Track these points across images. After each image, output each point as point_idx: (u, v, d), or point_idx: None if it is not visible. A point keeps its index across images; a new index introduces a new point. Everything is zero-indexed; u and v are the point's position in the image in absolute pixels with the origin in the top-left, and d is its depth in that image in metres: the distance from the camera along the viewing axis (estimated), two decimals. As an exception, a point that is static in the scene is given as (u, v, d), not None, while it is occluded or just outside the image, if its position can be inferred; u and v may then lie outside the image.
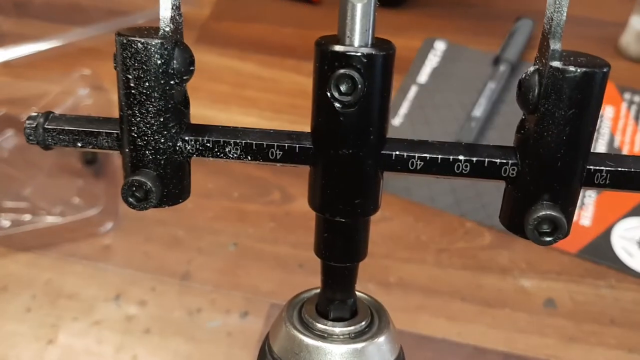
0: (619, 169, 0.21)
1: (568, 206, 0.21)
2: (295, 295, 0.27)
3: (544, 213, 0.20)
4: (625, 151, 0.59)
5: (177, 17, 0.21)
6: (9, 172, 0.55)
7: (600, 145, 0.59)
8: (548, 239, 0.20)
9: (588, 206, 0.54)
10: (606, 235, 0.52)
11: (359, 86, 0.20)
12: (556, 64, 0.19)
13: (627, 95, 0.64)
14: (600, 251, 0.52)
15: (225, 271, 0.50)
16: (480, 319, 0.48)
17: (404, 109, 0.62)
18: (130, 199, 0.21)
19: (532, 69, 0.20)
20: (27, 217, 0.52)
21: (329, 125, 0.21)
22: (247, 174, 0.57)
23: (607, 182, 0.21)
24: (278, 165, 0.22)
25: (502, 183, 0.21)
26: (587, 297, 0.49)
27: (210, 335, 0.46)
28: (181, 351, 0.46)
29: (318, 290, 0.26)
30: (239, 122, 0.61)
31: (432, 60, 0.67)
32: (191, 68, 0.21)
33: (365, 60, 0.19)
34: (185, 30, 0.72)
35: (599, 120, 0.60)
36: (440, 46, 0.69)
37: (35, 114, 0.22)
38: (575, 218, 0.53)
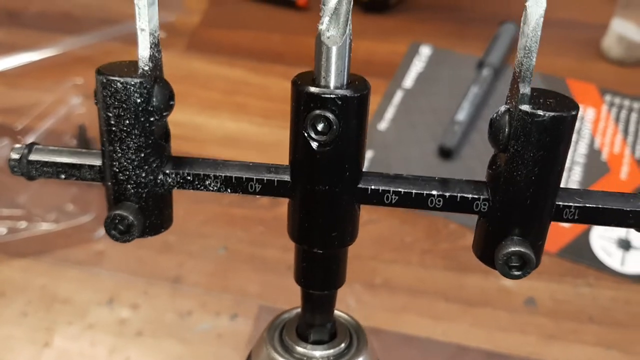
0: (587, 205, 0.21)
1: (537, 240, 0.21)
2: (277, 316, 0.28)
3: (513, 249, 0.21)
4: (605, 152, 0.61)
5: (156, 54, 0.21)
6: (4, 180, 0.57)
7: (580, 147, 0.61)
8: (517, 273, 0.21)
9: (568, 207, 0.56)
10: (585, 235, 0.54)
11: (334, 127, 0.20)
12: (525, 107, 0.19)
13: (607, 98, 0.66)
14: (579, 251, 0.53)
15: (216, 274, 0.51)
16: (463, 318, 0.49)
17: (389, 113, 0.64)
18: (113, 232, 0.22)
19: (502, 108, 0.20)
20: (22, 224, 0.54)
21: (305, 162, 0.21)
22: (236, 179, 0.58)
23: (576, 217, 0.21)
24: (257, 196, 0.23)
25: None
26: (567, 296, 0.51)
27: (201, 337, 0.48)
28: (173, 353, 0.47)
29: (299, 310, 0.27)
30: (229, 128, 0.63)
31: (418, 65, 0.69)
32: (171, 103, 0.21)
33: (340, 103, 0.20)
34: (176, 37, 0.73)
35: (579, 123, 0.62)
36: (425, 51, 0.70)
37: (19, 145, 0.23)
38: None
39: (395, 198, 0.22)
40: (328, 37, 0.20)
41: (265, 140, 0.62)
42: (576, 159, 0.60)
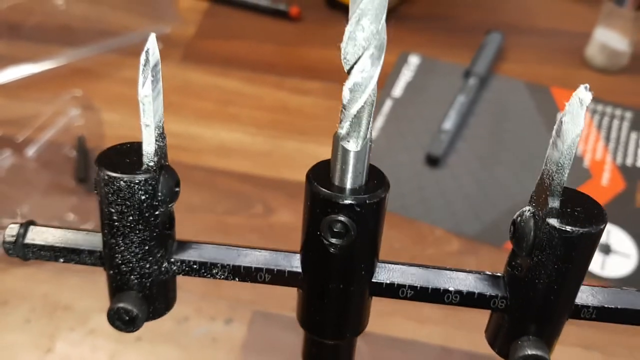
0: (605, 305, 0.21)
1: (553, 338, 0.21)
2: None
3: (530, 353, 0.20)
4: (587, 159, 0.63)
5: (161, 144, 0.20)
6: (6, 191, 0.59)
7: (563, 154, 0.63)
8: None
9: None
10: (566, 239, 0.56)
11: (352, 232, 0.19)
12: (553, 222, 0.19)
13: (590, 105, 0.68)
14: (560, 255, 0.55)
15: (211, 281, 0.53)
16: (447, 321, 0.51)
17: (379, 122, 0.66)
18: (117, 323, 0.21)
19: (527, 212, 0.19)
20: (24, 234, 0.56)
21: (319, 261, 0.20)
22: (230, 188, 0.60)
23: (594, 316, 0.21)
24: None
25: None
26: (548, 299, 0.53)
27: (197, 341, 0.50)
28: (170, 357, 0.49)
29: None
30: (224, 138, 0.65)
31: (406, 75, 0.71)
32: (176, 189, 0.20)
33: (358, 209, 0.19)
34: (171, 48, 0.76)
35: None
36: (414, 60, 0.72)
37: (15, 225, 0.21)
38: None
39: (410, 293, 0.21)
40: (348, 142, 0.19)
41: (259, 149, 0.64)
42: (559, 165, 0.62)
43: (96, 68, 0.71)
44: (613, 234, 0.56)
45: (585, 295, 0.21)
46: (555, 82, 0.70)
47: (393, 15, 0.79)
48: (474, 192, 0.59)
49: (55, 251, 0.22)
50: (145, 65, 0.18)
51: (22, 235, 0.21)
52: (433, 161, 0.62)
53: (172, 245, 0.21)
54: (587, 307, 0.21)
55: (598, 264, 0.54)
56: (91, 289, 0.53)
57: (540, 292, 0.20)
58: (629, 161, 0.63)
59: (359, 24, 0.17)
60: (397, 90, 0.69)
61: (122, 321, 0.21)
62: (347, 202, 0.19)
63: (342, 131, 0.19)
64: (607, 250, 0.55)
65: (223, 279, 0.22)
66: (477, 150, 0.63)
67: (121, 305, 0.21)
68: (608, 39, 0.70)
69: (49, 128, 0.64)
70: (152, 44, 0.18)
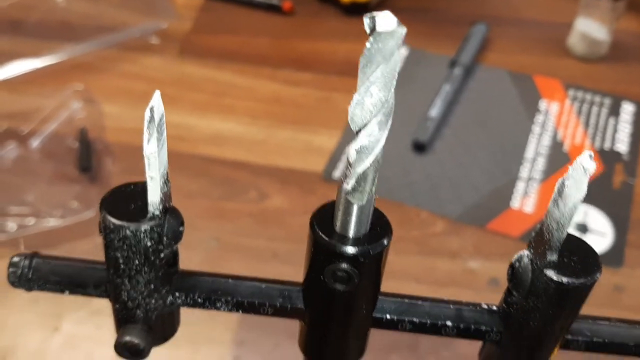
0: (594, 339, 0.22)
1: None
2: None
3: None
4: (566, 144, 0.65)
5: (166, 190, 0.20)
6: (13, 180, 0.62)
7: (544, 140, 0.66)
8: None
9: (531, 194, 0.61)
10: (545, 220, 0.59)
11: (354, 279, 0.20)
12: (551, 274, 0.20)
13: (571, 92, 0.71)
14: (539, 234, 0.58)
15: (208, 263, 0.57)
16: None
17: (367, 111, 0.69)
18: (125, 354, 0.22)
19: (525, 258, 0.20)
20: (31, 220, 0.58)
21: (321, 302, 0.21)
22: (226, 175, 0.63)
23: (583, 347, 0.22)
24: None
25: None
26: (527, 275, 0.56)
27: (195, 317, 0.53)
28: (170, 333, 0.52)
29: None
30: (219, 128, 0.67)
31: (394, 65, 0.73)
32: (181, 229, 0.21)
33: (361, 260, 0.20)
34: (168, 43, 0.79)
35: (544, 116, 0.67)
36: (401, 51, 0.75)
37: (18, 258, 0.21)
38: (518, 206, 0.60)
39: (409, 326, 0.22)
40: (353, 197, 0.19)
41: (253, 139, 0.67)
42: (540, 150, 0.65)
43: (96, 63, 0.74)
44: (590, 214, 0.59)
45: (577, 328, 0.22)
46: (538, 71, 0.73)
47: (381, 7, 0.81)
48: (458, 176, 0.62)
49: (60, 284, 0.22)
50: (150, 122, 0.18)
51: (26, 267, 0.22)
52: (419, 147, 0.65)
53: (177, 279, 0.22)
54: (577, 340, 0.22)
55: (575, 243, 0.57)
56: (95, 272, 0.56)
57: (532, 331, 0.21)
58: (607, 145, 0.65)
59: (367, 91, 0.17)
60: (386, 80, 0.72)
61: (130, 352, 0.22)
62: (351, 252, 0.19)
63: (348, 187, 0.19)
64: (584, 229, 0.58)
65: (227, 311, 0.22)
66: (462, 137, 0.66)
67: (127, 338, 0.22)
68: (588, 28, 0.73)
69: (52, 120, 0.67)
70: (156, 101, 0.18)
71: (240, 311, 0.22)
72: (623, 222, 0.59)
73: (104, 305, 0.54)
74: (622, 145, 0.65)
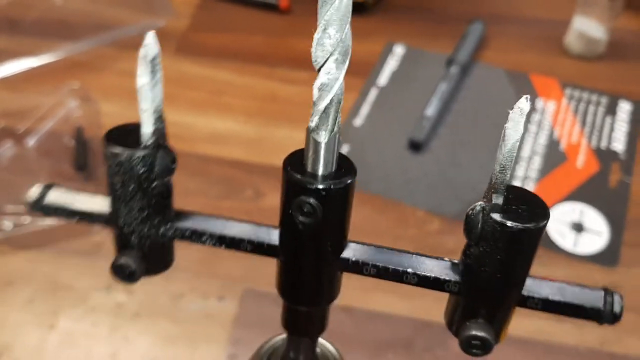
0: (550, 298, 0.23)
1: (502, 323, 0.23)
2: (262, 345, 0.30)
3: (476, 334, 0.22)
4: (563, 142, 0.65)
5: (159, 126, 0.22)
6: (9, 178, 0.62)
7: (541, 138, 0.66)
8: (476, 351, 0.23)
9: (527, 193, 0.61)
10: (541, 218, 0.59)
11: (318, 212, 0.21)
12: (496, 216, 0.20)
13: (567, 91, 0.71)
14: (535, 233, 0.58)
15: (204, 261, 0.57)
16: (426, 296, 0.54)
17: (364, 110, 0.69)
18: (119, 276, 0.24)
19: (478, 206, 0.21)
20: (27, 219, 0.59)
21: (291, 237, 0.23)
22: (223, 174, 0.63)
23: (539, 306, 0.23)
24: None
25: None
26: (523, 274, 0.56)
27: (191, 316, 0.53)
28: (166, 331, 0.52)
29: (282, 337, 0.29)
30: (216, 127, 0.68)
31: (392, 64, 0.74)
32: (173, 166, 0.23)
33: (324, 193, 0.21)
34: (166, 41, 0.79)
35: (540, 115, 0.67)
36: (399, 50, 0.75)
37: (38, 187, 0.25)
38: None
39: (373, 270, 0.24)
40: (317, 134, 0.21)
41: (249, 137, 0.67)
42: (536, 149, 0.65)
43: (93, 61, 0.74)
44: (586, 213, 0.59)
45: (533, 287, 0.23)
46: (535, 69, 0.73)
47: (379, 6, 0.82)
48: (454, 174, 0.62)
49: (69, 212, 0.25)
50: (143, 59, 0.21)
51: (43, 195, 0.24)
52: (416, 146, 0.65)
53: (171, 214, 0.24)
54: (533, 297, 0.23)
55: (571, 242, 0.57)
56: (90, 269, 0.56)
57: (486, 280, 0.22)
58: (603, 144, 0.65)
59: (325, 32, 0.19)
60: (383, 79, 0.72)
61: (123, 274, 0.24)
62: (315, 186, 0.21)
63: (312, 124, 0.21)
64: (579, 228, 0.58)
65: (211, 245, 0.24)
66: (458, 135, 0.66)
67: (122, 261, 0.24)
68: (585, 27, 0.73)
69: (48, 119, 0.67)
70: (150, 40, 0.21)
71: (223, 246, 0.24)
72: (619, 221, 0.59)
73: (99, 303, 0.54)
74: (619, 144, 0.65)
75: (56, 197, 0.25)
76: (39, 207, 0.24)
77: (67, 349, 0.51)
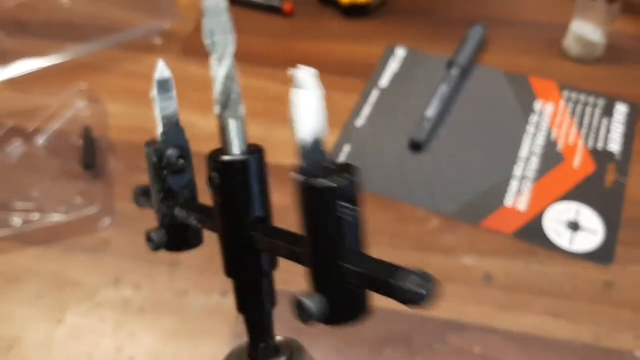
0: (360, 270, 0.23)
1: (334, 295, 0.24)
2: (232, 351, 0.32)
3: (298, 298, 0.24)
4: (560, 143, 0.67)
5: (172, 129, 0.29)
6: (18, 177, 0.63)
7: (539, 139, 0.67)
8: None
9: (524, 193, 0.62)
10: (539, 218, 0.60)
11: (217, 183, 0.26)
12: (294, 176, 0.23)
13: (565, 93, 0.72)
14: (533, 233, 0.59)
15: (208, 258, 0.58)
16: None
17: (366, 111, 0.70)
18: (149, 243, 0.30)
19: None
20: (35, 216, 0.60)
21: (213, 207, 0.27)
22: (227, 173, 0.64)
23: (356, 283, 0.23)
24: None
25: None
26: (520, 272, 0.57)
27: (196, 312, 0.54)
28: (171, 327, 0.54)
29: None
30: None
31: (393, 66, 0.75)
32: (180, 162, 0.29)
33: (222, 167, 0.26)
34: (171, 43, 0.81)
35: (538, 116, 0.68)
36: (400, 53, 0.76)
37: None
38: (512, 204, 0.61)
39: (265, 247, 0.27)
40: (223, 117, 0.27)
41: (253, 136, 0.68)
42: (534, 149, 0.66)
43: (100, 63, 0.76)
44: (582, 213, 0.60)
45: (352, 259, 0.23)
46: (534, 72, 0.74)
47: (381, 10, 0.83)
48: (454, 174, 0.64)
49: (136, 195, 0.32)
50: (155, 81, 0.28)
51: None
52: (416, 146, 0.66)
53: (187, 201, 0.30)
54: (350, 269, 0.23)
55: (567, 240, 0.59)
56: (97, 266, 0.58)
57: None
58: (599, 145, 0.67)
59: (210, 35, 0.27)
60: (384, 81, 0.73)
61: (148, 242, 0.30)
62: (218, 160, 0.26)
63: (217, 112, 0.27)
64: (576, 227, 0.59)
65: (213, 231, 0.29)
66: (458, 136, 0.67)
67: (150, 233, 0.30)
68: (584, 30, 0.74)
69: (57, 119, 0.68)
70: (160, 68, 0.30)
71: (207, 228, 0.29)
72: (614, 221, 0.60)
73: (106, 299, 0.55)
74: (615, 145, 0.67)
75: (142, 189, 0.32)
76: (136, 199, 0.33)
77: (74, 344, 0.53)
